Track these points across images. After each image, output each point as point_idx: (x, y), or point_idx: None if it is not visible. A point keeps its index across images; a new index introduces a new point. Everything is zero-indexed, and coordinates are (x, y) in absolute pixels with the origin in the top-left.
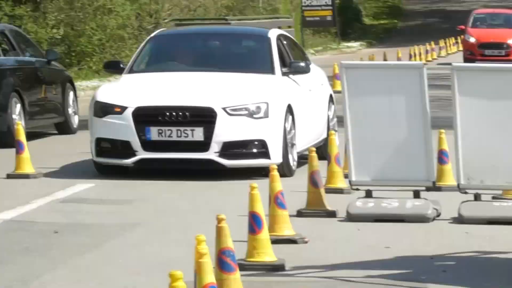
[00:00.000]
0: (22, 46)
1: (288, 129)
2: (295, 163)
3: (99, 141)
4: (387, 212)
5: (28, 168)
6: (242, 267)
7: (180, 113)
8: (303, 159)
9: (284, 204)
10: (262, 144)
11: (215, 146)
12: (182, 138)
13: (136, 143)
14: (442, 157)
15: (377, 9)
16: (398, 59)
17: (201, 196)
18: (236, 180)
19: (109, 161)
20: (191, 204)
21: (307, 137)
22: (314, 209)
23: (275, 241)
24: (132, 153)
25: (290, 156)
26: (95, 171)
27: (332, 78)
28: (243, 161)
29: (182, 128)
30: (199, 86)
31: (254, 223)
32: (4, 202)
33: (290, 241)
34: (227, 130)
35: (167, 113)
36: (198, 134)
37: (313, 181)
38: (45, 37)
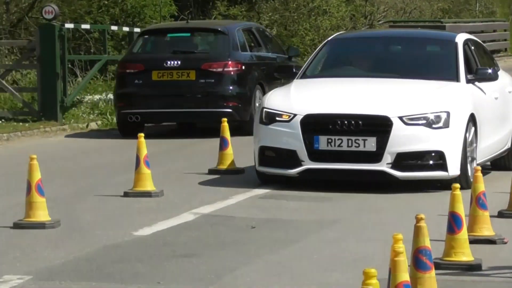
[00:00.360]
0: (266, 43)
1: (469, 140)
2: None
3: (263, 150)
4: None
5: (230, 164)
6: (438, 266)
7: (353, 122)
8: (484, 169)
9: (486, 205)
10: (440, 156)
11: (388, 157)
12: (353, 148)
13: (302, 153)
14: None
15: None
16: None
17: (402, 195)
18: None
19: (272, 171)
20: (391, 202)
21: (488, 148)
22: None
23: (474, 241)
24: (298, 163)
25: (468, 169)
26: None
27: None
28: (417, 173)
29: (353, 138)
30: (375, 93)
31: (453, 223)
32: (204, 197)
33: (489, 241)
34: (402, 140)
35: (338, 122)
36: (370, 144)
37: None
38: None
